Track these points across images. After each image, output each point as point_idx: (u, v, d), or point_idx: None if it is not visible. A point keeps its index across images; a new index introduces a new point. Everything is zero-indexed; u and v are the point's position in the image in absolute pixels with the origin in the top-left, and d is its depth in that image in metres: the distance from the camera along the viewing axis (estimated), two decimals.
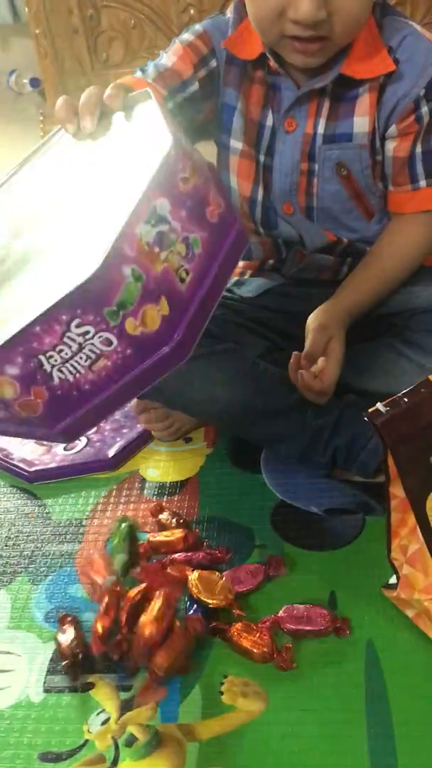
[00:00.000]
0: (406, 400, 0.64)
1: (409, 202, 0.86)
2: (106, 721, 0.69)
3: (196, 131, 0.88)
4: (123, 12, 1.75)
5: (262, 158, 0.88)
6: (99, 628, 0.73)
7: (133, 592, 0.76)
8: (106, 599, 0.75)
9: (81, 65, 1.82)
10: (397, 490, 0.67)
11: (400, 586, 0.72)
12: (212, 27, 0.86)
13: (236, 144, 0.89)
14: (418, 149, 0.83)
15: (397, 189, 0.86)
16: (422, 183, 0.84)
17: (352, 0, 0.75)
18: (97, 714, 0.70)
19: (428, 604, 0.69)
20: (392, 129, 0.83)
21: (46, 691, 0.73)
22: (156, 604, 0.73)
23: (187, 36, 0.86)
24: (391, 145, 0.84)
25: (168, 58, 0.85)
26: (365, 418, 0.65)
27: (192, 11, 1.73)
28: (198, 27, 0.88)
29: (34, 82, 2.35)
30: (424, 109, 0.81)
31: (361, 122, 0.83)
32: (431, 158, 0.83)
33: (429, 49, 0.81)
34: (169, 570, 0.79)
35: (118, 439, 0.99)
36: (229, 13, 0.86)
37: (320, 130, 0.84)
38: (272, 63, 0.83)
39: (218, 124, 0.89)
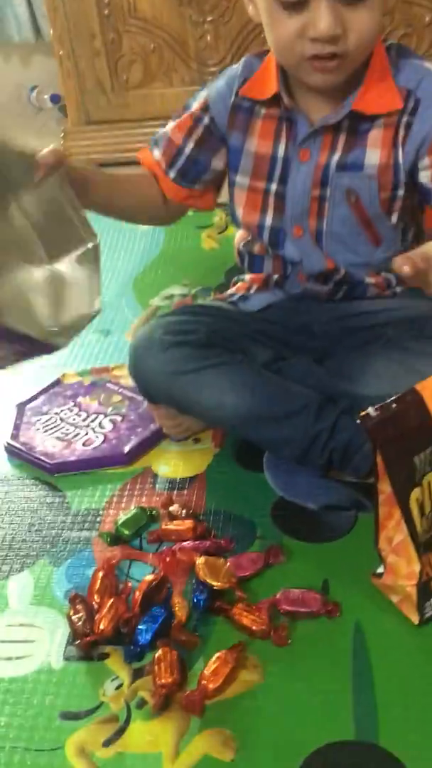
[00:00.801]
0: (394, 405, 0.72)
1: None
2: (119, 687, 0.77)
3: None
4: (143, 37, 1.84)
5: (274, 187, 0.95)
6: (102, 625, 0.80)
7: (149, 577, 0.84)
8: (110, 602, 0.82)
9: (102, 86, 1.91)
10: (384, 487, 0.75)
11: (386, 573, 0.80)
12: (217, 91, 0.97)
13: (243, 180, 0.97)
14: None
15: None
16: None
17: (365, 18, 0.82)
18: (112, 680, 0.78)
19: (410, 589, 0.77)
20: (425, 161, 0.90)
21: (66, 659, 0.80)
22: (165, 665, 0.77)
23: (192, 103, 0.99)
24: (425, 174, 0.90)
25: (170, 124, 0.99)
26: (358, 422, 0.73)
27: (208, 38, 1.82)
28: (203, 92, 0.98)
29: (55, 98, 2.44)
30: None
31: (372, 154, 0.90)
32: None
33: None
34: (179, 555, 0.87)
35: (132, 437, 1.07)
36: (241, 66, 0.96)
37: (334, 159, 0.91)
38: (286, 101, 0.92)
39: (228, 165, 0.98)
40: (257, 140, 0.95)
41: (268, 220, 0.98)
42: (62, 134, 2.02)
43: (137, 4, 1.81)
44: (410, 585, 0.77)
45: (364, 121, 0.90)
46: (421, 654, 0.76)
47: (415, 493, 0.74)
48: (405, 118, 0.89)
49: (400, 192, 0.92)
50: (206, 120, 0.98)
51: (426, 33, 1.75)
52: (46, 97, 2.45)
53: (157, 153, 1.01)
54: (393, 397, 0.73)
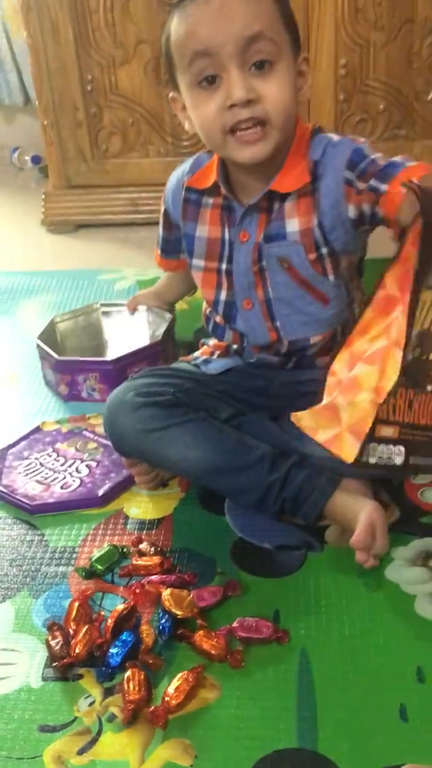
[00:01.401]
0: None
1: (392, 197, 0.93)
2: (92, 703, 0.87)
3: None
4: (123, 111, 1.99)
5: (224, 266, 1.07)
6: (77, 649, 0.90)
7: (120, 606, 0.94)
8: (84, 629, 0.92)
9: (83, 154, 2.04)
10: (390, 283, 0.68)
11: (340, 392, 0.72)
12: (169, 189, 1.15)
13: (198, 262, 1.10)
14: (372, 183, 0.92)
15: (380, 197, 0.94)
16: (383, 187, 0.92)
17: (275, 87, 0.92)
18: (85, 698, 0.88)
19: (369, 406, 0.69)
20: (351, 209, 0.96)
21: (44, 679, 0.90)
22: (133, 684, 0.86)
23: (162, 206, 1.17)
24: (361, 207, 0.95)
25: (162, 230, 1.24)
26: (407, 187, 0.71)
27: None
28: (164, 193, 1.16)
29: (36, 159, 2.57)
30: (354, 182, 0.93)
31: (291, 224, 1.00)
32: (385, 174, 0.91)
33: (342, 145, 0.97)
34: (147, 588, 0.98)
35: (106, 481, 1.18)
36: (190, 162, 1.11)
37: (263, 234, 1.03)
38: (223, 189, 1.04)
39: (185, 249, 1.13)
40: (208, 227, 1.08)
41: (222, 295, 1.10)
42: (44, 196, 2.15)
43: (118, 82, 1.96)
44: (371, 400, 0.69)
45: (281, 198, 1.00)
46: (356, 676, 0.87)
47: (427, 295, 0.67)
48: (312, 186, 0.98)
49: (324, 250, 1.00)
50: (168, 211, 1.15)
51: (380, 119, 1.92)
52: (27, 158, 2.58)
53: (164, 254, 1.28)
54: None
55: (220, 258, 1.08)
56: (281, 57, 0.93)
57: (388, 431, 0.74)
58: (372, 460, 0.76)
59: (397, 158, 0.94)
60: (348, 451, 0.74)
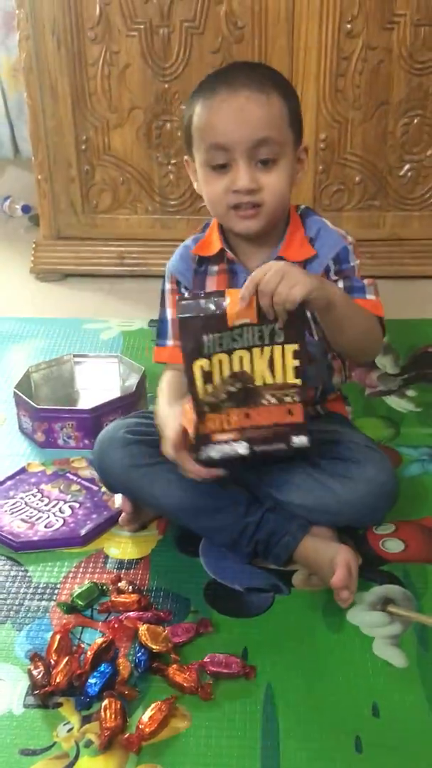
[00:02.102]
0: (203, 294, 0.99)
1: None
2: (70, 730, 0.93)
3: None
4: (114, 171, 2.10)
5: None
6: (58, 679, 0.96)
7: (99, 640, 1.01)
8: (65, 660, 0.99)
9: (74, 208, 2.14)
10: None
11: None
12: (176, 266, 1.21)
13: None
14: (340, 286, 1.11)
15: None
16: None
17: (275, 179, 1.07)
18: (64, 724, 0.94)
19: (190, 432, 1.03)
20: None
21: (26, 707, 0.96)
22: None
23: (167, 285, 1.22)
24: None
25: (170, 311, 1.22)
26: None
27: (171, 176, 2.07)
28: (167, 271, 1.22)
29: (26, 208, 2.67)
30: (332, 272, 1.12)
31: None
32: (350, 291, 1.11)
33: (335, 236, 1.14)
34: (125, 623, 1.05)
35: (88, 522, 1.25)
36: (189, 241, 1.21)
37: None
38: (229, 254, 1.16)
39: None
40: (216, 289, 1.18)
41: None
42: (34, 245, 2.24)
43: (111, 143, 2.07)
44: (189, 428, 1.01)
45: None
46: (317, 709, 0.94)
47: (199, 363, 0.97)
48: (308, 261, 1.13)
49: (308, 314, 1.11)
50: (181, 288, 1.21)
51: (356, 190, 2.05)
52: (17, 206, 2.68)
53: (170, 342, 1.22)
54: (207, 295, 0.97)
55: None
56: (283, 154, 1.08)
57: (224, 436, 1.01)
58: (214, 455, 1.02)
59: (366, 283, 1.12)
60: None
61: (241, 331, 0.97)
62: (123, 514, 1.23)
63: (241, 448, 1.01)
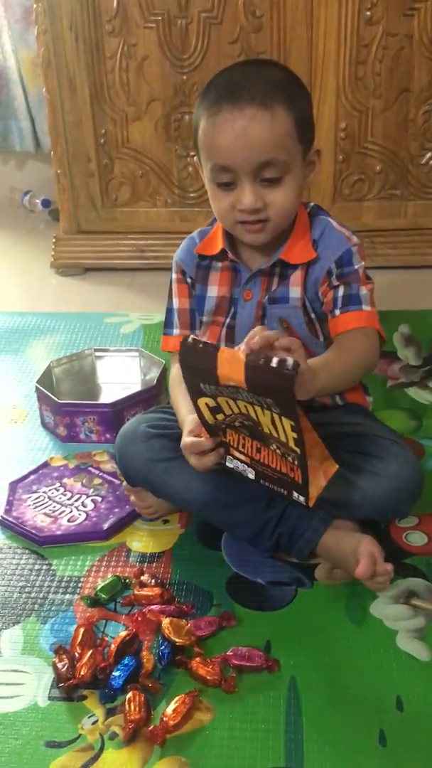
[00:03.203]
0: (201, 345, 0.92)
1: (335, 326, 1.11)
2: (95, 722, 0.93)
3: None
4: (133, 164, 2.10)
5: (228, 321, 1.17)
6: (82, 671, 0.97)
7: (123, 633, 1.02)
8: (89, 653, 0.99)
9: (93, 202, 2.15)
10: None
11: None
12: (181, 256, 1.21)
13: (208, 318, 1.20)
14: (339, 293, 1.11)
15: (330, 319, 1.13)
16: (336, 312, 1.11)
17: (281, 196, 1.06)
18: (89, 717, 0.94)
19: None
20: (321, 293, 1.12)
21: (51, 699, 0.97)
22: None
23: (173, 275, 1.22)
24: (326, 297, 1.12)
25: (177, 300, 1.22)
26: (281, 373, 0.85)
27: (190, 169, 2.08)
28: (174, 260, 1.22)
29: (45, 203, 2.68)
30: (334, 275, 1.11)
31: (293, 291, 1.13)
32: (347, 300, 1.10)
33: (339, 238, 1.12)
34: (148, 616, 1.05)
35: (111, 516, 1.25)
36: (196, 234, 1.21)
37: (267, 296, 1.14)
38: (230, 255, 1.15)
39: (195, 308, 1.21)
40: (217, 287, 1.18)
41: (222, 346, 1.19)
42: (54, 240, 2.25)
43: (130, 136, 2.07)
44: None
45: (288, 267, 1.13)
46: (340, 703, 0.94)
47: (204, 400, 0.96)
48: (308, 262, 1.13)
49: (313, 316, 1.13)
50: (186, 278, 1.21)
51: (376, 179, 2.03)
52: (37, 201, 2.69)
53: (176, 331, 1.23)
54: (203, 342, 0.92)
55: (227, 314, 1.18)
56: (290, 170, 1.06)
57: (238, 455, 1.01)
58: (230, 465, 1.03)
59: (362, 292, 1.11)
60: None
61: (237, 389, 0.91)
62: (136, 508, 1.24)
63: (251, 474, 1.01)
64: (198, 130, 1.08)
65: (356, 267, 1.11)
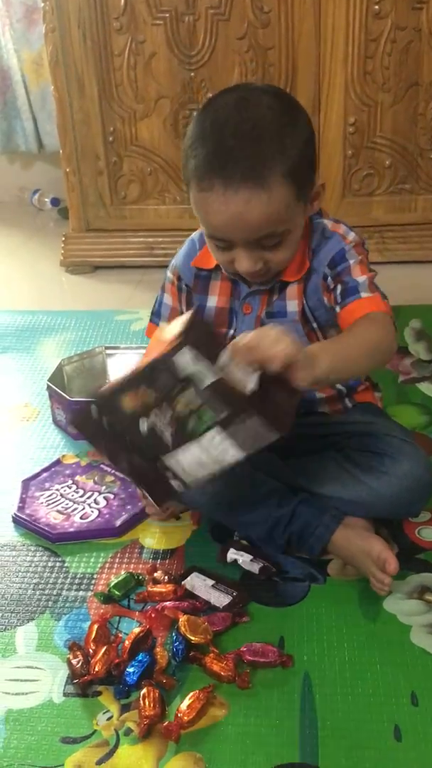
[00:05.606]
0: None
1: (341, 322, 1.09)
2: (110, 718, 0.94)
3: None
4: (141, 161, 2.10)
5: (231, 332, 1.15)
6: (97, 668, 0.97)
7: (137, 629, 1.02)
8: (103, 649, 1.00)
9: (102, 200, 2.15)
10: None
11: None
12: (179, 266, 1.19)
13: None
14: (337, 291, 1.08)
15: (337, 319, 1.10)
16: (338, 309, 1.08)
17: (282, 255, 1.03)
18: (104, 713, 0.95)
19: None
20: (325, 298, 1.10)
21: (65, 695, 0.97)
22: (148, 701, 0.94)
23: (168, 274, 1.20)
24: (331, 300, 1.10)
25: (167, 297, 1.22)
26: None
27: None
28: (172, 263, 1.20)
29: (54, 201, 2.69)
30: (329, 279, 1.08)
31: (291, 304, 1.11)
32: (344, 294, 1.07)
33: (333, 240, 1.09)
34: (162, 613, 1.05)
35: (123, 513, 1.26)
36: (197, 237, 1.18)
37: (266, 310, 1.13)
38: (225, 272, 1.13)
39: None
40: (217, 297, 1.16)
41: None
42: (63, 238, 2.26)
43: (138, 133, 2.07)
44: None
45: (286, 283, 1.11)
46: (355, 698, 0.94)
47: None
48: (306, 273, 1.11)
49: (315, 325, 1.12)
50: (182, 285, 1.20)
51: (386, 174, 2.03)
52: (46, 199, 2.70)
53: (162, 324, 1.21)
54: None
55: (228, 325, 1.17)
56: (290, 228, 1.02)
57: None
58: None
59: (360, 280, 1.06)
60: None
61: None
62: (147, 508, 1.23)
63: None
64: (188, 185, 1.03)
65: (350, 262, 1.07)
